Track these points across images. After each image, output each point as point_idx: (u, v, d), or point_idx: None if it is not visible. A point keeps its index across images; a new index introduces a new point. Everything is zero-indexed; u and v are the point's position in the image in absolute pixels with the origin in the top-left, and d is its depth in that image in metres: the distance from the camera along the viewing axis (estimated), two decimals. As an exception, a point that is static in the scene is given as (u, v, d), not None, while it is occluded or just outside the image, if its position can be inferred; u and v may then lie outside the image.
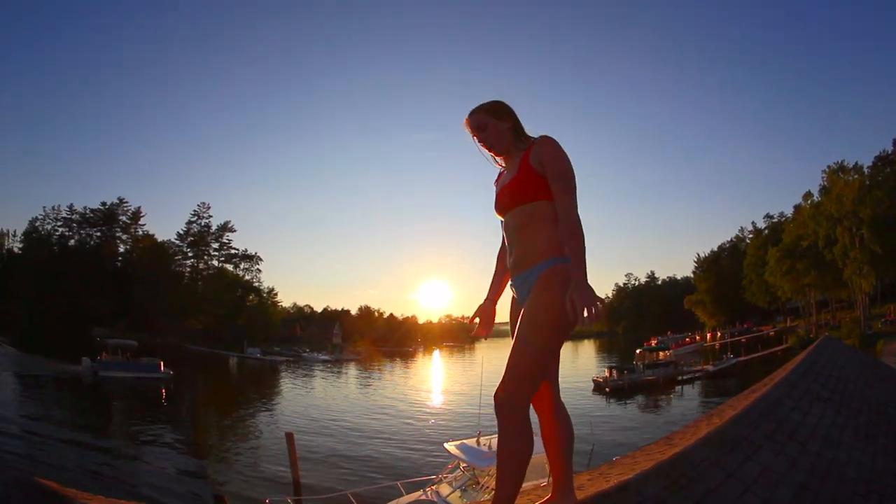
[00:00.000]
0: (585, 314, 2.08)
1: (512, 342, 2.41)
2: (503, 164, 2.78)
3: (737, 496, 2.88)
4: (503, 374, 2.32)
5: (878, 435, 5.36)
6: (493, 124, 2.64)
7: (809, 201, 70.33)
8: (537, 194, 2.47)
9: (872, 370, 9.67)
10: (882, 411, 6.50)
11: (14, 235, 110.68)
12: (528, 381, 2.30)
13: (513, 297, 2.70)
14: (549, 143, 2.50)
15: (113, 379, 42.31)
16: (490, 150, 2.70)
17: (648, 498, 2.53)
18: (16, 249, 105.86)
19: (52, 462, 19.99)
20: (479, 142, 2.69)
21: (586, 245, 2.27)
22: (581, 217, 2.35)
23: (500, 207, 2.65)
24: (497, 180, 2.80)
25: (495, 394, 2.31)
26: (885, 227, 55.81)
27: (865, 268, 56.94)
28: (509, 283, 2.70)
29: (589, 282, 2.20)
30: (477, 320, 2.87)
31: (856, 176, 61.54)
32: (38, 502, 1.95)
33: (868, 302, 63.18)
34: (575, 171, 2.45)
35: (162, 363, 46.59)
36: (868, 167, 66.23)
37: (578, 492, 2.60)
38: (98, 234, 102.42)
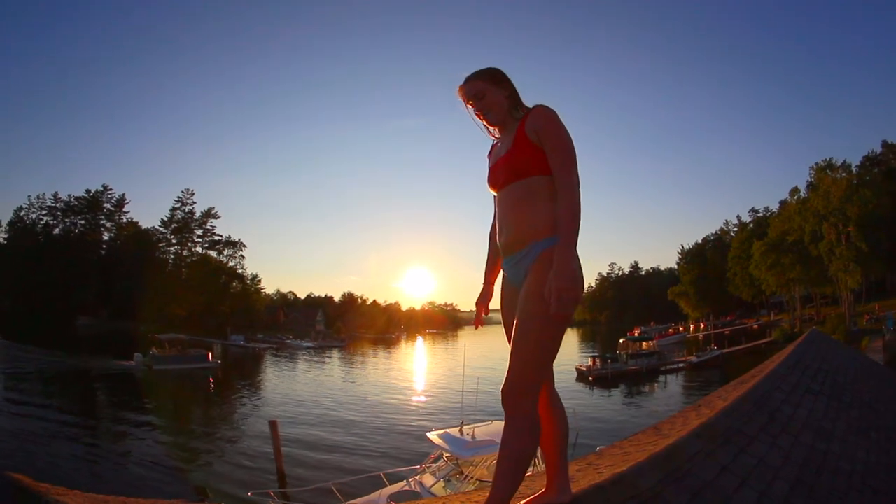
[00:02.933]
0: (555, 302, 2.02)
1: (505, 329, 2.31)
2: (497, 136, 2.61)
3: (733, 490, 2.80)
4: (507, 367, 2.18)
5: (870, 429, 5.35)
6: (492, 92, 2.46)
7: (796, 197, 70.72)
8: (534, 168, 2.30)
9: (861, 365, 9.73)
10: (872, 406, 6.51)
11: None
12: (535, 373, 2.16)
13: (504, 278, 2.53)
14: (545, 113, 2.32)
15: (167, 371, 44.29)
16: (485, 120, 2.52)
17: (644, 490, 2.44)
18: (0, 240, 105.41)
19: (54, 456, 19.99)
20: (474, 111, 2.51)
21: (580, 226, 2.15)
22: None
23: (494, 182, 2.48)
24: (490, 153, 2.62)
25: (502, 390, 2.18)
26: (872, 226, 56.33)
27: (851, 265, 57.39)
28: (502, 264, 2.51)
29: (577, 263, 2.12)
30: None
31: (843, 174, 61.83)
32: (8, 496, 1.90)
33: (853, 299, 63.72)
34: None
35: (210, 353, 50.92)
36: (856, 166, 66.65)
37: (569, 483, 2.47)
38: (82, 221, 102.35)
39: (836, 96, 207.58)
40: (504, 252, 2.42)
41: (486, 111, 2.47)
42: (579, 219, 2.13)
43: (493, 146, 2.62)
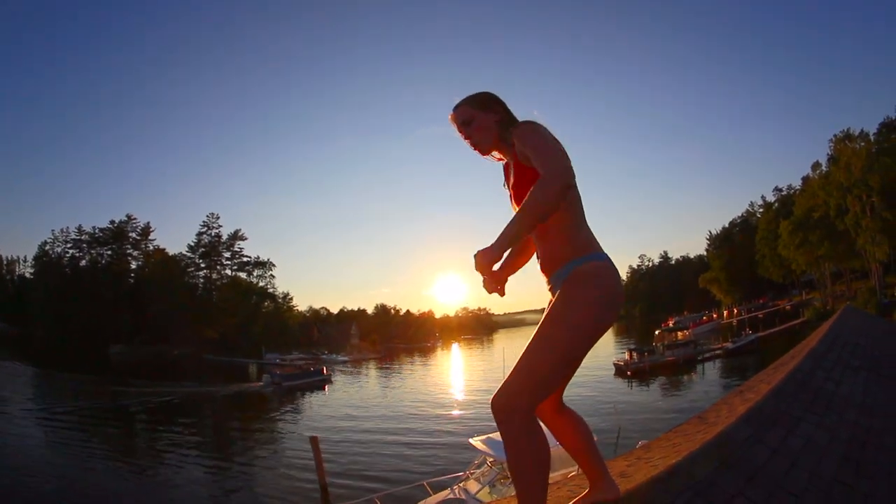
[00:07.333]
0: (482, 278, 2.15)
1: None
2: (499, 157, 2.49)
3: (784, 471, 2.82)
4: (507, 376, 2.04)
5: (911, 400, 5.29)
6: (480, 118, 2.35)
7: (818, 171, 69.73)
8: None
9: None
10: (910, 377, 6.41)
11: (25, 261, 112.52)
12: (534, 385, 1.98)
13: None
14: (521, 130, 2.18)
15: (293, 387, 51.34)
16: (476, 148, 2.39)
17: (700, 480, 2.45)
18: (27, 275, 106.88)
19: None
20: (464, 138, 2.40)
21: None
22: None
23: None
24: (505, 178, 2.52)
25: (492, 399, 2.02)
26: (895, 194, 55.33)
27: (878, 236, 56.60)
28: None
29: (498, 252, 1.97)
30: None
31: (862, 144, 61.01)
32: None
33: (882, 271, 62.78)
34: (565, 150, 2.07)
35: (324, 368, 60.84)
36: (874, 134, 65.41)
37: (624, 479, 2.48)
38: (109, 252, 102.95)
39: (850, 63, 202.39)
40: (543, 272, 2.35)
41: (475, 140, 2.37)
42: (528, 221, 1.94)
43: (504, 169, 2.53)
